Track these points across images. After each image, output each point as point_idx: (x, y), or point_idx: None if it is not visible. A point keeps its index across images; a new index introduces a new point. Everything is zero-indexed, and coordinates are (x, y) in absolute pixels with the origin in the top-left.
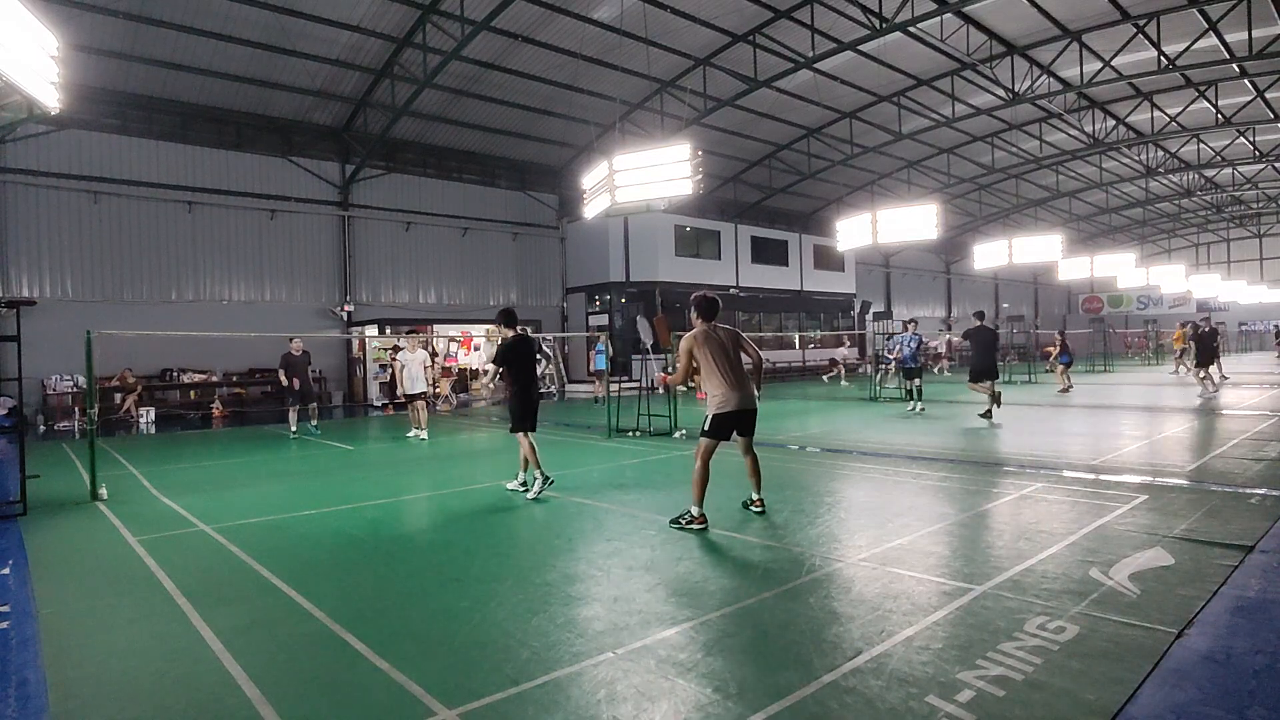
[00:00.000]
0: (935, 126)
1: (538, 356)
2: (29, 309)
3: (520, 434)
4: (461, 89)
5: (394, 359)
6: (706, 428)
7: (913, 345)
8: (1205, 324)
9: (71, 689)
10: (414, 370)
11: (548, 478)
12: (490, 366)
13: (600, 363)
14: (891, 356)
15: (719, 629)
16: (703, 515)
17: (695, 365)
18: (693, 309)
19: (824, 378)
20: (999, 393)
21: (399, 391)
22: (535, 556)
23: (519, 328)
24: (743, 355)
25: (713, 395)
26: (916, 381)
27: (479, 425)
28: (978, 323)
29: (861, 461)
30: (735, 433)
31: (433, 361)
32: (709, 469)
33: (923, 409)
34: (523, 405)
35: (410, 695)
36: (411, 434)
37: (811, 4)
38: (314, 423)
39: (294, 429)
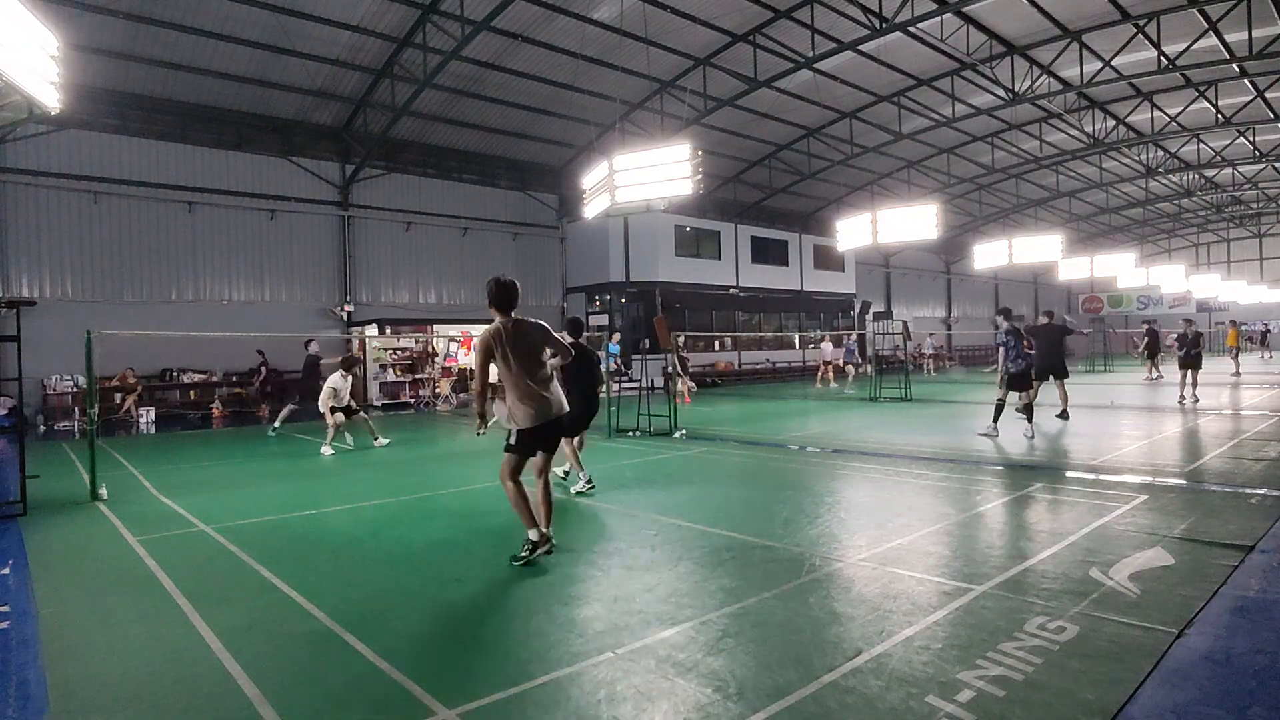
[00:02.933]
0: (935, 126)
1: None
2: (29, 309)
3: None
4: (461, 89)
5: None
6: (511, 442)
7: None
8: (1156, 323)
9: (71, 689)
10: (339, 385)
11: (590, 480)
12: (554, 361)
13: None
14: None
15: (719, 629)
16: (544, 536)
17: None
18: (487, 299)
19: (818, 383)
20: (1033, 398)
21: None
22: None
23: (581, 337)
24: (547, 354)
25: (514, 405)
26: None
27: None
28: (1045, 320)
29: (861, 461)
30: (540, 449)
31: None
32: (521, 486)
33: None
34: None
35: (410, 695)
36: (331, 450)
37: (811, 4)
38: (277, 424)
39: (278, 425)
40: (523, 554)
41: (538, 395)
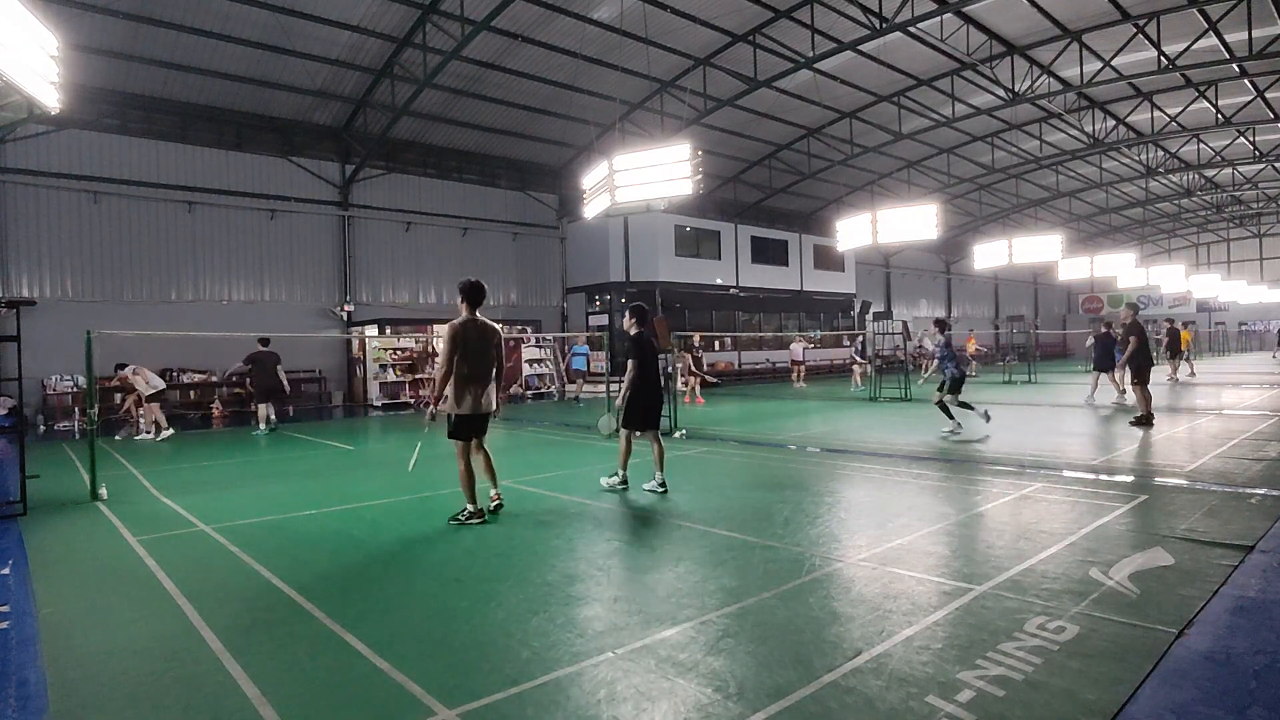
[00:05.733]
0: (935, 126)
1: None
2: (29, 309)
3: (627, 431)
4: (461, 89)
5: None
6: (452, 430)
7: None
8: (1105, 327)
9: (71, 689)
10: (142, 382)
11: (625, 481)
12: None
13: (578, 364)
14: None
15: (719, 629)
16: (480, 510)
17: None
18: (459, 294)
19: (795, 384)
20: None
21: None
22: (535, 556)
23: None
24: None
25: (457, 395)
26: None
27: None
28: (1132, 315)
29: (861, 461)
30: (475, 435)
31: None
32: (472, 467)
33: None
34: (639, 404)
35: (410, 695)
36: (149, 435)
37: (811, 4)
38: (270, 422)
39: (261, 426)
40: (460, 517)
41: (479, 389)
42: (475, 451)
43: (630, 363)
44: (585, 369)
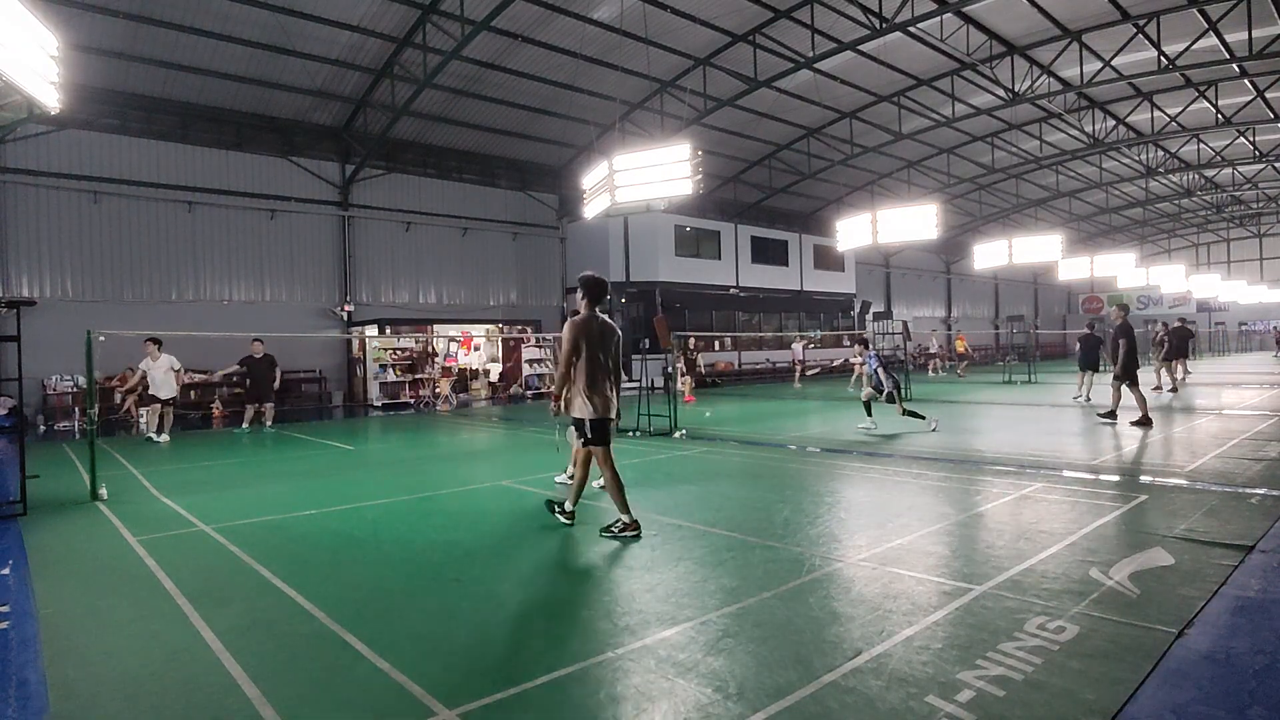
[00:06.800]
0: (935, 126)
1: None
2: (29, 309)
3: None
4: (461, 89)
5: (132, 369)
6: (591, 434)
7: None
8: (1089, 328)
9: (71, 689)
10: (158, 376)
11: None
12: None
13: None
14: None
15: (719, 629)
16: (635, 522)
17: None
18: (580, 290)
19: (795, 383)
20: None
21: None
22: (535, 556)
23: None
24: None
25: (586, 397)
26: None
27: (478, 425)
28: (1122, 316)
29: (861, 461)
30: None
31: (183, 368)
32: (617, 473)
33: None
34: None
35: (410, 695)
36: (156, 437)
37: (811, 4)
38: (268, 424)
39: (245, 426)
40: (613, 529)
41: (607, 390)
42: (602, 462)
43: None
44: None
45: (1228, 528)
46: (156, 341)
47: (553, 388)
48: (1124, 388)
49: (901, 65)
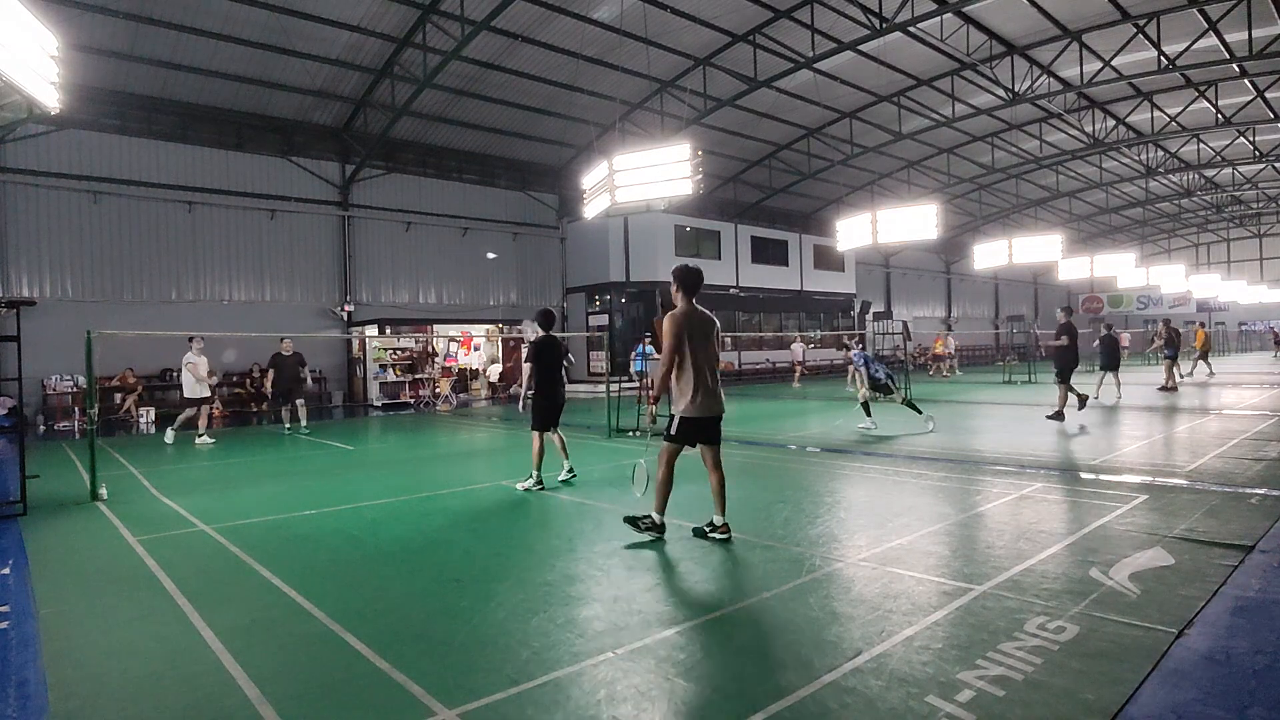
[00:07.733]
0: (935, 126)
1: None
2: (29, 309)
3: (535, 432)
4: (461, 89)
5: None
6: (672, 431)
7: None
8: (1106, 328)
9: (71, 689)
10: (200, 374)
11: (540, 481)
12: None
13: (639, 365)
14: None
15: (719, 629)
16: (662, 524)
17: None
18: (674, 282)
19: (795, 383)
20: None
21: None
22: (535, 556)
23: (552, 330)
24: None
25: (682, 393)
26: None
27: (478, 425)
28: (1066, 318)
29: (861, 461)
30: (701, 442)
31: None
32: (673, 475)
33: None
34: (540, 405)
35: (410, 695)
36: (200, 439)
37: (811, 4)
38: (304, 424)
39: (288, 426)
40: (640, 522)
41: (711, 382)
42: (712, 469)
43: (528, 366)
44: (644, 371)
45: (1228, 528)
46: (200, 339)
47: (651, 390)
48: (1061, 385)
49: (901, 65)
